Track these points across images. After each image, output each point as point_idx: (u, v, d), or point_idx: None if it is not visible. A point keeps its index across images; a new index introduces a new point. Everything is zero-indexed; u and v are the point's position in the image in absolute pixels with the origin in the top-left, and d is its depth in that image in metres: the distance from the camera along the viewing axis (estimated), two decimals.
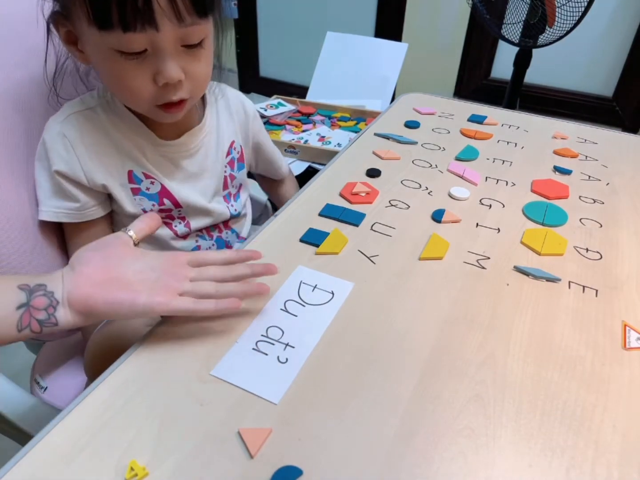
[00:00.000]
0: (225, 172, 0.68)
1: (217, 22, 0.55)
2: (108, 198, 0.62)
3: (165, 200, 0.63)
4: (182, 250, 0.67)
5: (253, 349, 0.45)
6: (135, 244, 0.48)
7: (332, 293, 0.51)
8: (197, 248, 0.69)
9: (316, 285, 0.52)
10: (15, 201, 0.57)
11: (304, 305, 0.50)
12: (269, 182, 0.87)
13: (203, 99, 0.66)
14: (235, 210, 0.71)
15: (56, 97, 0.59)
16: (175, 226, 0.66)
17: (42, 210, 0.58)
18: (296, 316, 0.48)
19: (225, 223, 0.72)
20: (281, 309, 0.49)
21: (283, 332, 0.46)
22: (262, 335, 0.46)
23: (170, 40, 0.49)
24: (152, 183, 0.61)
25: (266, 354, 0.44)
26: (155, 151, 0.61)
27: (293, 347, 0.45)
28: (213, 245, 0.71)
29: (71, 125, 0.57)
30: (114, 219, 0.64)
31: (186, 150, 0.63)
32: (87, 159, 0.57)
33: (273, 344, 0.45)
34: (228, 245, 0.73)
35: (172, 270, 0.45)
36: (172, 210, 0.64)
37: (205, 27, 0.51)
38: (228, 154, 0.68)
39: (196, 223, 0.67)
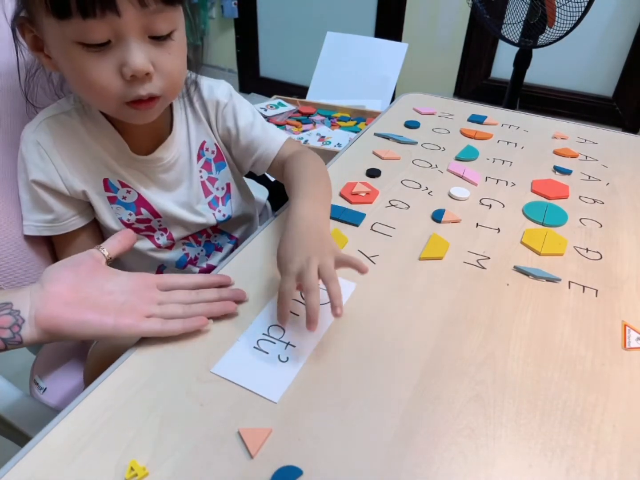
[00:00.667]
0: (201, 177, 0.64)
1: (187, 13, 0.52)
2: (89, 206, 0.60)
3: (143, 210, 0.61)
4: (169, 260, 0.66)
5: (254, 347, 0.45)
6: (108, 262, 0.47)
7: None
8: (185, 257, 0.67)
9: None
10: (5, 221, 0.56)
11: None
12: (277, 174, 0.68)
13: (170, 105, 0.61)
14: (224, 215, 0.68)
15: (33, 108, 0.57)
16: (158, 238, 0.64)
17: (25, 225, 0.57)
18: (298, 315, 0.48)
19: (214, 227, 0.68)
20: None
21: (284, 331, 0.46)
22: (263, 334, 0.46)
23: (135, 29, 0.46)
24: (128, 192, 0.59)
25: (267, 353, 0.44)
26: (130, 165, 0.59)
27: (294, 346, 0.45)
28: (202, 250, 0.69)
29: (44, 132, 0.55)
30: (101, 228, 0.63)
31: (161, 165, 0.61)
32: (64, 166, 0.56)
33: (274, 343, 0.45)
34: (218, 248, 0.71)
35: (140, 293, 0.45)
36: (151, 220, 0.62)
37: (174, 17, 0.48)
38: (199, 157, 0.64)
39: (179, 233, 0.65)
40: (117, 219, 0.60)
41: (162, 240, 0.64)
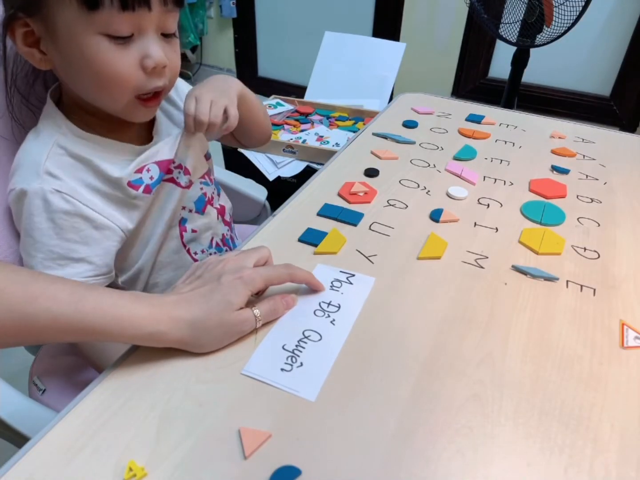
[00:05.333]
0: None
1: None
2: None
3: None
4: (190, 199, 0.65)
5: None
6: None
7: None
8: (204, 196, 0.67)
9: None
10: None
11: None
12: None
13: None
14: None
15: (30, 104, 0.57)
16: (177, 177, 0.63)
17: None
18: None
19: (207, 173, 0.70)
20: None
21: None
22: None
23: (155, 25, 0.50)
24: (148, 170, 0.58)
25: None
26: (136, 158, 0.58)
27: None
28: (214, 189, 0.70)
29: (55, 179, 0.52)
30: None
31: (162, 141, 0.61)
32: (95, 200, 0.54)
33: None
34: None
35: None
36: (172, 170, 0.62)
37: (177, 18, 0.53)
38: None
39: (195, 171, 0.65)
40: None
41: (183, 179, 0.63)
